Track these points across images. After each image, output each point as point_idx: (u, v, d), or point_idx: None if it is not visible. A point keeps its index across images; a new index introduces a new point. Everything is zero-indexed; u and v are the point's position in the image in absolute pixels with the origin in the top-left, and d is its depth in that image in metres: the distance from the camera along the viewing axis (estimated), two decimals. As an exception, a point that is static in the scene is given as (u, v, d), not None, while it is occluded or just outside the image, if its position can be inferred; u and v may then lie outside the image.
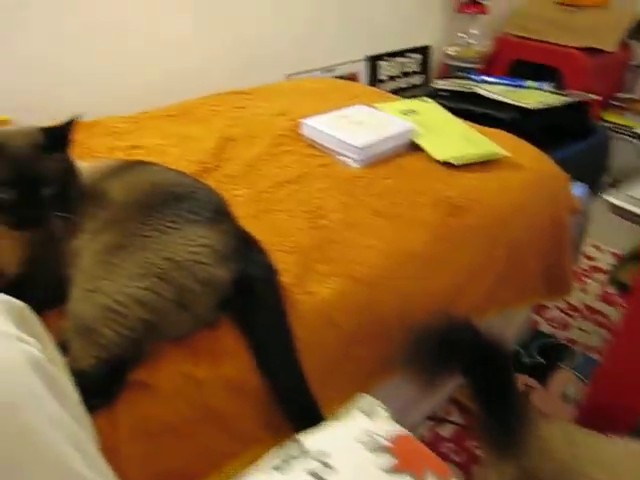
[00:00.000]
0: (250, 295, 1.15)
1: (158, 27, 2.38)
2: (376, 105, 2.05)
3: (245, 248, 1.20)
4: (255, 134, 1.86)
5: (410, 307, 1.34)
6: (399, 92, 3.40)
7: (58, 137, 1.13)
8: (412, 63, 3.58)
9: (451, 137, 1.87)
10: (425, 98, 2.24)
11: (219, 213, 1.22)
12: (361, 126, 1.80)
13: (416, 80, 3.63)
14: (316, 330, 1.19)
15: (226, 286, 1.12)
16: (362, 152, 1.68)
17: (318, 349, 1.18)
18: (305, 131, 1.83)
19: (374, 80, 3.38)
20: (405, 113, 1.99)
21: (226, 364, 1.09)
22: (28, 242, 1.16)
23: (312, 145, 1.81)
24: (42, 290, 1.19)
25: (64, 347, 1.02)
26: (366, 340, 1.28)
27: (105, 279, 1.06)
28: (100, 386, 1.00)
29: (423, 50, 3.60)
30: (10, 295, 0.97)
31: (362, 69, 3.32)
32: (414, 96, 2.39)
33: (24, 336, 0.72)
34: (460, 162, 1.69)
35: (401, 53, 3.48)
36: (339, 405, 0.96)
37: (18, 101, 1.84)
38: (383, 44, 3.40)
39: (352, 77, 3.25)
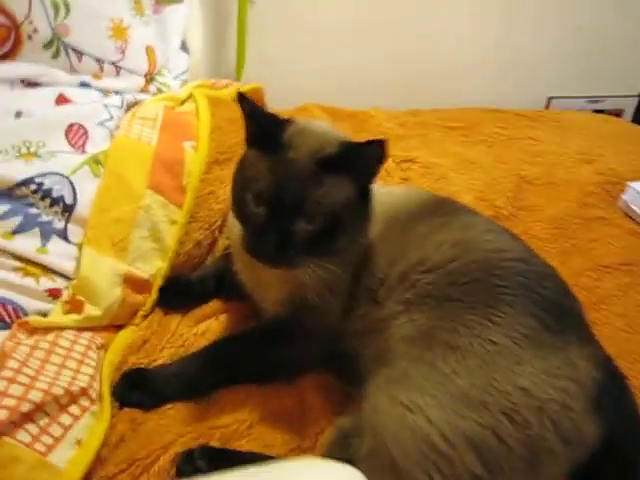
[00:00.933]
0: (618, 462, 0.78)
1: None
2: None
3: (613, 386, 0.81)
4: (556, 181, 1.46)
5: None
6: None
7: (356, 158, 0.83)
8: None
9: None
10: None
11: (583, 323, 0.86)
12: None
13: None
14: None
15: (589, 447, 0.75)
16: None
17: None
18: (628, 197, 1.38)
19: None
20: None
21: None
22: (297, 282, 0.90)
23: (632, 218, 1.36)
24: (304, 343, 0.92)
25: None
26: None
27: (428, 395, 0.74)
28: None
29: None
30: (264, 340, 0.92)
31: (631, 106, 2.75)
32: None
33: None
34: None
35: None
36: None
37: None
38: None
39: (618, 113, 2.70)
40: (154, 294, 1.06)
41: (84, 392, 0.82)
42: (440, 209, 1.00)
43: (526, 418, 0.72)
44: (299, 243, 0.81)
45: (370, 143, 0.81)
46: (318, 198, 0.80)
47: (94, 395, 0.84)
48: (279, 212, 0.80)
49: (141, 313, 1.04)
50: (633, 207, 1.36)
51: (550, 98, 2.48)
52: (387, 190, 1.04)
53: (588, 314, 0.91)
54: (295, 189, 0.80)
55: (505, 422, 0.71)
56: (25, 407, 0.74)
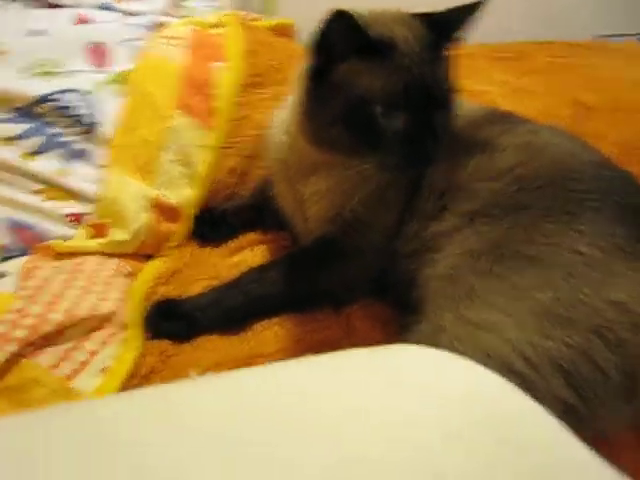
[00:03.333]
0: None
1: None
2: None
3: None
4: (619, 106, 1.31)
5: None
6: None
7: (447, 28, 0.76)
8: None
9: None
10: None
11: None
12: None
13: None
14: None
15: None
16: None
17: None
18: None
19: None
20: None
21: None
22: (348, 192, 0.81)
23: None
24: (354, 262, 0.84)
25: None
26: None
27: (503, 312, 0.63)
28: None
29: None
30: (310, 262, 0.84)
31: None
32: None
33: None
34: None
35: None
36: None
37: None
38: None
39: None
40: (185, 223, 0.97)
41: (110, 317, 0.74)
42: (504, 119, 0.88)
43: (622, 337, 0.60)
44: (443, 135, 0.74)
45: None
46: (447, 84, 0.76)
47: (122, 321, 0.76)
48: (422, 110, 0.72)
49: (171, 244, 0.96)
50: None
51: (595, 37, 2.30)
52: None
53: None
54: (432, 81, 0.72)
55: (597, 341, 0.60)
56: (45, 327, 0.66)
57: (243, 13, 1.41)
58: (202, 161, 0.99)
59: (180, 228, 0.97)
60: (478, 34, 1.63)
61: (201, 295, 0.84)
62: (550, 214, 0.70)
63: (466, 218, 0.75)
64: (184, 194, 0.97)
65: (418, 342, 0.66)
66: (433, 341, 0.65)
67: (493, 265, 0.68)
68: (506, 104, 1.31)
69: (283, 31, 1.45)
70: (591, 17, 2.25)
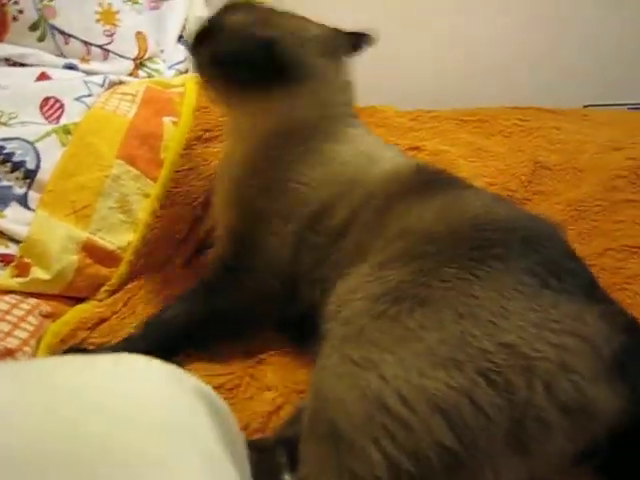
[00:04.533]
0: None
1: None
2: None
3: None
4: (580, 167, 1.31)
5: None
6: None
7: None
8: None
9: None
10: None
11: (595, 285, 0.71)
12: None
13: None
14: None
15: (607, 420, 0.59)
16: None
17: None
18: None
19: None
20: None
21: None
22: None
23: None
24: (252, 284, 0.85)
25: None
26: None
27: (387, 351, 0.61)
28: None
29: None
30: (211, 289, 0.85)
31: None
32: None
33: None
34: None
35: None
36: None
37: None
38: None
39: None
40: (123, 268, 0.98)
41: (10, 353, 0.74)
42: (430, 176, 0.89)
43: (510, 379, 0.58)
44: None
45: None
46: None
47: (28, 359, 0.75)
48: None
49: (106, 288, 0.96)
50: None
51: (586, 107, 2.34)
52: (369, 155, 0.94)
53: (611, 295, 0.76)
54: None
55: (482, 384, 0.57)
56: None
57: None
58: (143, 208, 1.01)
59: (117, 273, 0.97)
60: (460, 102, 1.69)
61: (118, 343, 0.84)
62: (454, 261, 0.69)
63: (376, 267, 0.75)
64: (124, 239, 0.99)
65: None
66: (315, 383, 0.63)
67: (388, 308, 0.66)
68: (467, 163, 1.33)
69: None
70: (580, 87, 2.30)
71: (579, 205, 1.17)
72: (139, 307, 0.96)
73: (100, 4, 1.23)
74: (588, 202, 1.18)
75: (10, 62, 1.13)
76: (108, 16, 1.24)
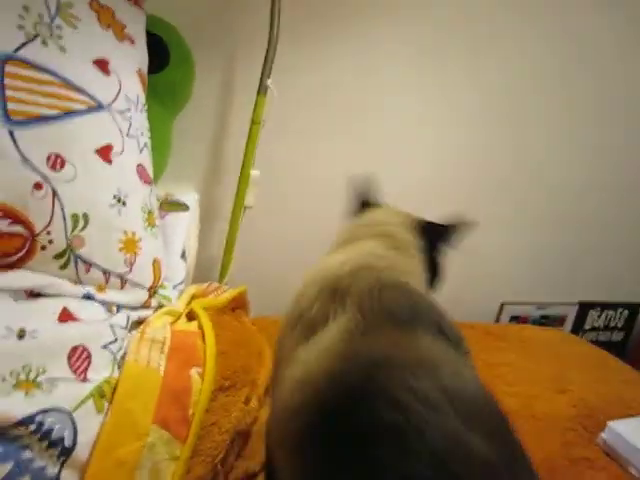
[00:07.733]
0: None
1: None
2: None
3: None
4: (536, 415, 1.49)
5: None
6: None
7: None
8: (618, 318, 3.23)
9: None
10: None
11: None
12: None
13: (616, 336, 3.25)
14: None
15: None
16: None
17: None
18: (608, 437, 1.43)
19: (579, 328, 3.04)
20: None
21: None
22: None
23: (613, 459, 1.40)
24: None
25: None
26: None
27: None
28: None
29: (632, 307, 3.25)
30: None
31: (572, 314, 3.01)
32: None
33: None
34: None
35: (613, 306, 3.15)
36: None
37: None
38: (597, 292, 3.09)
39: (562, 319, 2.94)
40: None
41: None
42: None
43: None
44: None
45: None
46: None
47: None
48: None
49: None
50: (615, 448, 1.40)
51: (503, 304, 2.67)
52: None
53: None
54: None
55: None
56: None
57: (204, 286, 1.51)
58: (171, 474, 0.99)
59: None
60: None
61: None
62: None
63: None
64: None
65: None
66: None
67: None
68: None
69: (240, 301, 1.56)
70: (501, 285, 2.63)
71: (548, 465, 1.32)
72: None
73: (125, 232, 1.24)
74: (553, 461, 1.34)
75: (28, 293, 1.09)
76: (130, 245, 1.25)
